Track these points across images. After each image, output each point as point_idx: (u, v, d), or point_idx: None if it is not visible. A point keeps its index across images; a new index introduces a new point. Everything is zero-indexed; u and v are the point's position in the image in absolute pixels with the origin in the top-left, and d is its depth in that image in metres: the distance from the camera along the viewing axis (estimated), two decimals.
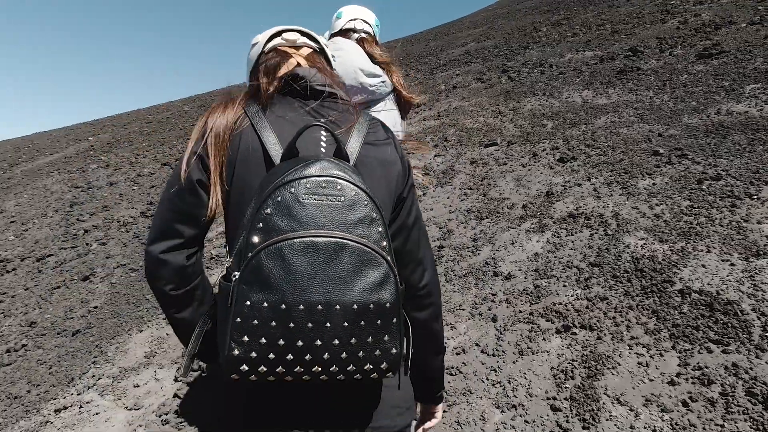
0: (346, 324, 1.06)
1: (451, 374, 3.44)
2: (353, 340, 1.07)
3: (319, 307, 1.04)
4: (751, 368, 2.84)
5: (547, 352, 3.40)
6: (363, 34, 2.59)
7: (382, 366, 1.12)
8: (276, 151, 1.25)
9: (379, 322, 1.09)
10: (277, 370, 1.06)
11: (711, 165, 5.02)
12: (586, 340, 3.39)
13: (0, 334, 5.47)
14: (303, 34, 1.54)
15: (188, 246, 1.29)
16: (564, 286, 3.96)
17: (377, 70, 2.39)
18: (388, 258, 1.11)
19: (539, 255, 4.47)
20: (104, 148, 15.17)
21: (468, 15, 24.53)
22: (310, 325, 1.04)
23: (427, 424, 1.66)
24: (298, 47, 1.52)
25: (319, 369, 1.08)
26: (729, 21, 9.47)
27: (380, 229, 1.12)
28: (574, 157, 6.14)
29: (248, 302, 1.03)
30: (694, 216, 4.30)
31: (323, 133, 1.32)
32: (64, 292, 6.15)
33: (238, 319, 1.03)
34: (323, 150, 1.31)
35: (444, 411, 3.07)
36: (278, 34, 1.52)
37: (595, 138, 6.51)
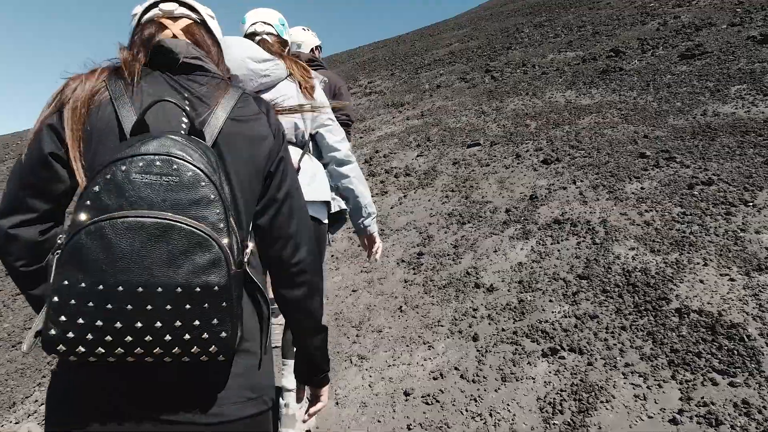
0: (169, 307, 0.97)
1: (427, 403, 2.94)
2: (177, 323, 0.98)
3: (140, 289, 0.95)
4: (764, 407, 2.37)
5: (533, 378, 2.91)
6: (265, 36, 2.56)
7: (210, 350, 1.02)
8: (130, 125, 1.12)
9: (206, 305, 0.99)
10: (97, 351, 0.97)
11: (701, 169, 4.55)
12: (576, 365, 2.90)
13: None
14: (182, 4, 1.38)
15: (41, 221, 1.17)
16: (550, 301, 3.47)
17: (267, 55, 2.29)
18: (223, 241, 1.02)
19: (523, 265, 3.98)
20: None
21: (452, 17, 23.97)
22: (129, 307, 0.95)
23: (312, 409, 1.53)
24: (175, 18, 1.36)
25: (141, 351, 0.98)
26: (709, 23, 9.03)
27: (218, 210, 1.02)
28: (558, 159, 5.65)
29: (66, 282, 0.94)
30: (686, 224, 3.83)
31: (177, 107, 1.16)
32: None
33: (56, 298, 0.94)
34: (184, 127, 1.18)
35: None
36: (155, 4, 1.36)
37: (579, 139, 6.03)
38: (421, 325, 3.66)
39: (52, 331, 0.94)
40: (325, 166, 2.52)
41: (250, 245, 1.24)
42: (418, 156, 7.06)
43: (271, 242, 1.30)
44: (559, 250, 4.02)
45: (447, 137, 7.44)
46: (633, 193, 4.51)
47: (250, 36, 2.56)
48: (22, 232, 1.15)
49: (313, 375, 1.48)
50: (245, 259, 1.16)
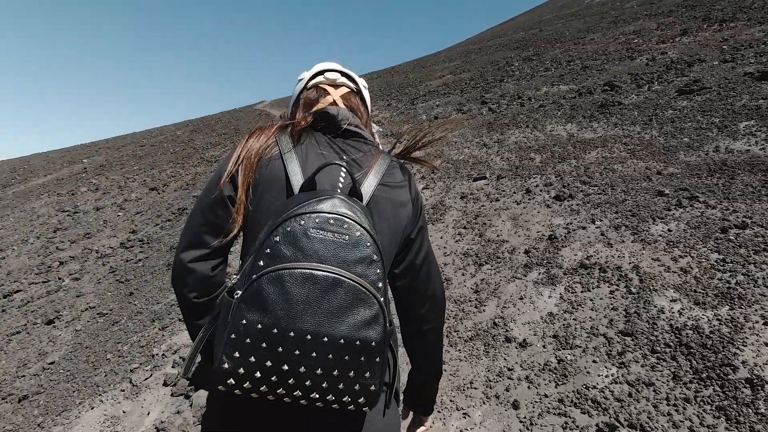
0: (330, 356, 0.98)
1: None
2: (335, 372, 0.99)
3: (309, 336, 0.97)
4: None
5: None
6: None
7: (359, 400, 1.02)
8: (297, 180, 1.17)
9: (362, 358, 1.00)
10: (261, 388, 0.99)
11: (729, 210, 4.10)
12: None
13: None
14: (344, 74, 1.46)
15: (214, 257, 1.22)
16: (594, 361, 2.96)
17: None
18: (381, 299, 1.02)
19: (555, 316, 3.47)
20: (96, 171, 13.87)
21: (443, 49, 23.73)
22: (297, 352, 0.97)
23: (418, 430, 1.55)
24: (337, 86, 1.44)
25: (300, 394, 1.00)
26: (698, 59, 8.70)
27: (378, 270, 1.03)
28: (571, 195, 5.18)
29: (244, 321, 0.97)
30: (729, 273, 3.35)
31: (342, 171, 1.22)
32: (23, 339, 4.96)
33: (233, 335, 0.97)
34: (340, 187, 1.21)
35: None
36: (322, 72, 1.44)
37: (589, 174, 5.57)
38: (452, 387, 3.12)
39: (226, 365, 0.96)
40: None
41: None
42: (423, 189, 6.56)
43: (409, 303, 1.32)
44: (591, 300, 3.52)
45: (451, 170, 6.96)
46: (660, 235, 4.03)
47: None
48: (198, 266, 1.19)
49: (424, 408, 1.53)
50: None
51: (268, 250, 1.00)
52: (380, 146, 1.41)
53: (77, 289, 5.89)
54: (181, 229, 1.38)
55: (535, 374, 3.00)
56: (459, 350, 3.41)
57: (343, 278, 0.99)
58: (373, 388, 1.02)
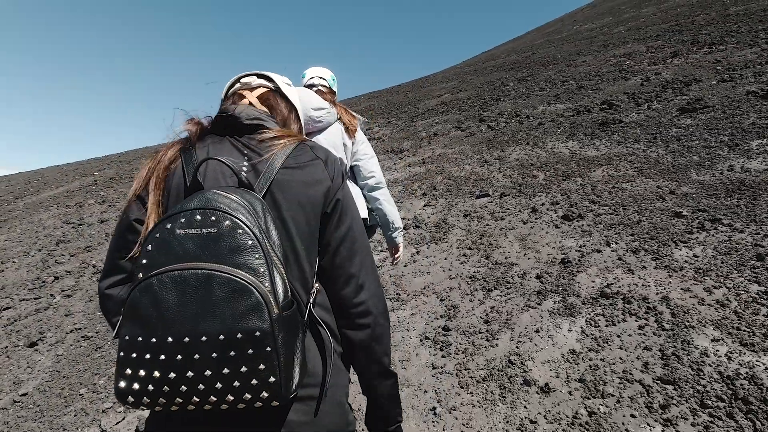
0: (214, 354, 0.87)
1: None
2: (225, 370, 0.87)
3: (186, 339, 0.87)
4: None
5: None
6: (320, 87, 2.75)
7: (262, 395, 0.89)
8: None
9: (250, 351, 0.88)
10: (160, 400, 0.88)
11: (761, 234, 3.50)
12: None
13: None
14: (260, 76, 1.38)
15: (130, 281, 1.12)
16: (632, 416, 2.34)
17: (323, 104, 2.35)
18: (265, 285, 0.91)
19: (579, 355, 2.85)
20: (106, 184, 13.24)
21: (440, 71, 23.27)
22: (179, 357, 0.87)
23: None
24: (253, 88, 1.33)
25: (198, 399, 0.88)
26: (694, 79, 8.16)
27: (257, 255, 0.92)
28: (581, 215, 4.59)
29: (127, 336, 0.89)
30: None
31: (225, 166, 1.11)
32: (2, 363, 4.31)
33: (122, 353, 0.89)
34: (227, 181, 1.10)
35: None
36: (238, 80, 1.36)
37: (597, 193, 4.98)
38: None
39: (122, 384, 0.89)
40: (361, 190, 2.62)
41: (316, 285, 1.13)
42: (425, 206, 5.96)
43: (332, 282, 1.14)
44: (619, 336, 2.91)
45: (453, 186, 6.37)
46: (686, 261, 3.43)
47: (308, 86, 2.72)
48: (114, 291, 1.12)
49: (386, 426, 1.24)
50: (311, 300, 1.08)
51: (145, 261, 0.93)
52: (285, 130, 1.25)
53: (67, 308, 5.25)
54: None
55: (563, 430, 2.37)
56: (471, 393, 2.79)
57: (215, 272, 0.89)
58: (272, 379, 0.90)
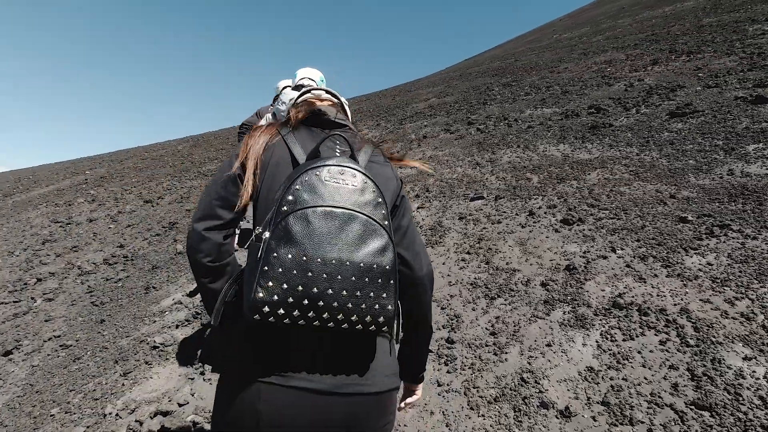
0: (353, 278, 1.00)
1: None
2: (358, 293, 1.01)
3: (333, 261, 0.99)
4: None
5: None
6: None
7: (379, 320, 1.03)
8: (301, 156, 1.22)
9: (380, 281, 1.03)
10: (294, 313, 0.98)
11: None
12: None
13: None
14: (327, 92, 1.51)
15: (226, 227, 1.21)
16: None
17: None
18: (390, 232, 1.06)
19: (598, 373, 2.49)
20: (96, 182, 12.61)
21: (425, 76, 22.89)
22: (324, 275, 0.98)
23: (408, 400, 1.47)
24: (322, 99, 1.49)
25: (327, 316, 0.99)
26: (678, 85, 7.91)
27: (383, 211, 1.08)
28: (581, 219, 4.24)
29: (275, 254, 0.98)
30: None
31: (338, 141, 1.27)
32: None
33: (266, 268, 0.98)
34: (338, 153, 1.24)
35: None
36: (308, 91, 1.49)
37: (595, 197, 4.65)
38: None
39: (260, 294, 0.96)
40: None
41: None
42: (419, 208, 5.57)
43: (402, 259, 1.25)
44: (639, 352, 2.56)
45: (446, 188, 5.99)
46: (700, 270, 3.10)
47: (298, 87, 2.79)
48: (212, 235, 1.18)
49: (416, 373, 1.42)
50: None
51: (290, 197, 1.02)
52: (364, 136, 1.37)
53: (47, 312, 4.75)
54: (196, 204, 1.33)
55: None
56: (482, 415, 2.41)
57: (358, 214, 1.03)
58: (390, 307, 1.03)
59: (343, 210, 1.02)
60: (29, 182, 14.59)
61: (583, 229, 4.08)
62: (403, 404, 1.46)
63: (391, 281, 1.03)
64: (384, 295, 1.02)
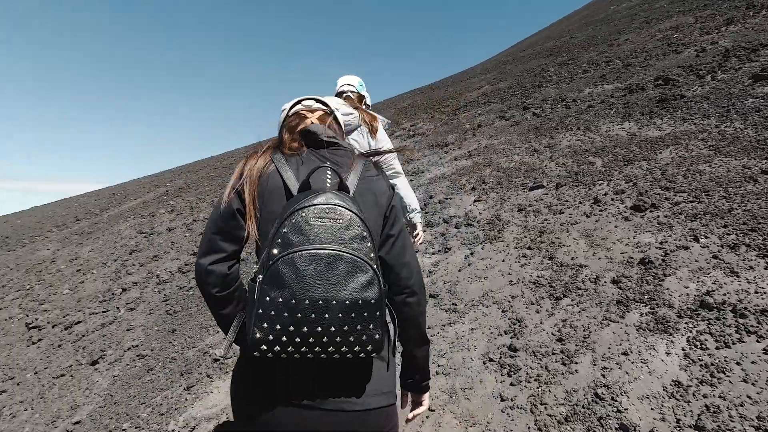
0: (340, 315, 1.05)
1: None
2: (345, 328, 1.06)
3: (320, 302, 1.04)
4: None
5: None
6: (349, 93, 2.84)
7: (367, 348, 1.09)
8: (294, 186, 1.23)
9: (365, 314, 1.07)
10: (288, 349, 1.05)
11: None
12: None
13: None
14: (317, 101, 1.49)
15: (229, 259, 1.25)
16: None
17: (350, 110, 2.39)
18: (374, 266, 1.09)
19: (687, 390, 2.09)
20: (176, 193, 13.25)
21: (477, 64, 22.02)
22: (313, 315, 1.04)
23: (416, 411, 1.45)
24: (313, 111, 1.46)
25: (320, 349, 1.06)
26: (760, 44, 6.89)
27: (369, 244, 1.11)
28: (654, 205, 3.72)
29: (268, 298, 1.04)
30: None
31: (328, 172, 1.28)
32: (65, 384, 4.01)
33: (260, 310, 1.04)
34: (328, 184, 1.25)
35: None
36: (299, 102, 1.48)
37: (669, 178, 4.08)
38: None
39: (258, 335, 1.04)
40: None
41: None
42: (476, 201, 5.22)
43: (390, 269, 1.28)
44: (739, 363, 2.11)
45: (503, 179, 5.58)
46: None
47: (339, 94, 2.86)
48: (216, 267, 1.22)
49: (419, 382, 1.41)
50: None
51: (279, 240, 1.06)
52: (355, 151, 1.39)
53: (129, 322, 4.94)
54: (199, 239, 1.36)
55: None
56: None
57: (343, 253, 1.06)
58: (377, 336, 1.08)
59: (328, 251, 1.05)
60: (120, 197, 15.66)
61: (658, 216, 3.56)
62: (410, 415, 1.46)
63: (377, 312, 1.07)
64: (371, 326, 1.07)
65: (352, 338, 1.06)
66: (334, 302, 1.04)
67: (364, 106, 2.81)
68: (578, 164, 5.20)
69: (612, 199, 4.11)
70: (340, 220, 1.09)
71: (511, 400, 2.40)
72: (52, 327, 5.43)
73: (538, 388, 2.41)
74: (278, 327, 1.03)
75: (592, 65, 10.42)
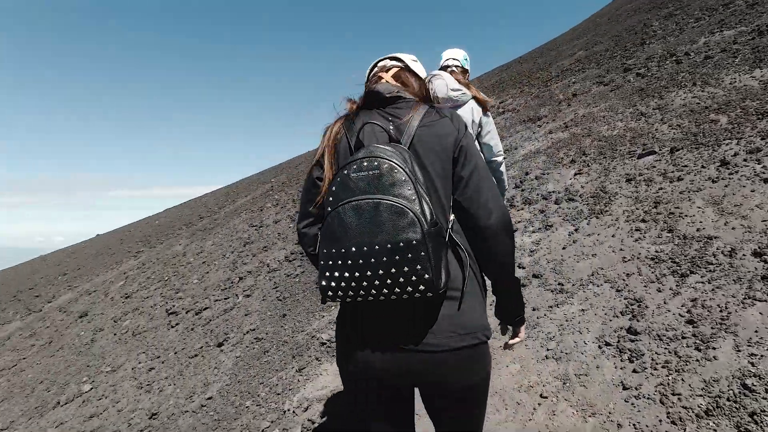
0: (384, 258, 1.08)
1: None
2: (393, 270, 1.09)
3: (365, 248, 1.09)
4: None
5: None
6: (453, 68, 2.82)
7: (420, 288, 1.09)
8: (353, 146, 1.28)
9: (409, 255, 1.08)
10: (349, 294, 1.12)
11: None
12: None
13: (130, 418, 3.81)
14: (392, 59, 1.51)
15: (316, 222, 1.34)
16: None
17: (458, 86, 2.53)
18: (415, 208, 1.10)
19: None
20: (280, 188, 14.04)
21: (568, 30, 20.25)
22: (360, 261, 1.09)
23: (511, 341, 1.43)
24: (387, 69, 1.48)
25: (375, 291, 1.11)
26: None
27: (409, 187, 1.12)
28: None
29: (324, 251, 1.14)
30: None
31: (379, 126, 1.28)
32: (199, 362, 4.41)
33: (321, 262, 1.15)
34: (376, 138, 1.28)
35: None
36: (376, 64, 1.51)
37: None
38: None
39: (323, 283, 1.15)
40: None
41: (452, 216, 1.27)
42: (576, 174, 4.76)
43: (465, 211, 1.27)
44: None
45: (606, 148, 5.02)
46: None
47: (444, 68, 2.84)
48: (307, 230, 1.35)
49: (511, 316, 1.38)
50: (449, 227, 1.23)
51: (331, 198, 1.16)
52: (417, 100, 1.39)
53: (246, 308, 5.31)
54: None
55: None
56: None
57: (381, 200, 1.10)
58: (426, 276, 1.08)
59: (367, 200, 1.10)
60: (234, 195, 17.00)
61: None
62: (508, 343, 1.45)
63: (422, 253, 1.07)
64: (418, 267, 1.07)
65: (401, 279, 1.08)
66: (377, 247, 1.08)
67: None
68: (697, 124, 4.50)
69: (744, 160, 3.49)
70: (378, 171, 1.12)
71: (636, 388, 2.12)
72: (186, 313, 6.03)
73: (667, 376, 2.10)
74: (336, 275, 1.11)
75: (706, 11, 9.03)
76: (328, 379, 3.04)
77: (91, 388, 4.83)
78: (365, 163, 1.14)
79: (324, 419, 2.66)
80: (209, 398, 3.59)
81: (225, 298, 5.92)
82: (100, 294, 9.37)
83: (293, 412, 2.83)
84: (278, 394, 3.11)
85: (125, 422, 3.82)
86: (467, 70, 2.91)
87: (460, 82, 2.57)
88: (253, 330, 4.55)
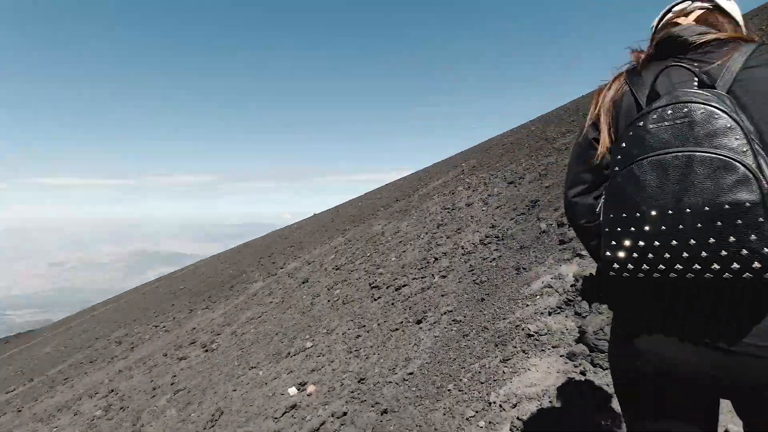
0: (700, 225, 0.85)
1: None
2: (711, 240, 0.84)
3: (670, 211, 0.88)
4: None
5: None
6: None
7: (752, 266, 0.81)
8: (644, 100, 1.04)
9: (739, 221, 0.82)
10: (642, 267, 0.92)
11: None
12: None
13: (342, 378, 4.15)
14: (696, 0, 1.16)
15: (592, 190, 1.17)
16: None
17: None
18: (747, 161, 0.84)
19: None
20: (470, 172, 13.87)
21: None
22: (663, 228, 0.89)
23: None
24: (687, 13, 1.16)
25: (681, 267, 0.88)
26: None
27: (737, 136, 0.86)
28: None
29: (610, 215, 0.97)
30: None
31: (679, 72, 1.02)
32: (399, 337, 4.54)
33: (606, 229, 0.98)
34: (677, 84, 1.02)
35: None
36: (670, 9, 1.20)
37: None
38: None
39: (607, 253, 0.95)
40: None
41: None
42: None
43: None
44: None
45: None
46: None
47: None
48: (580, 199, 1.17)
49: None
50: None
51: (619, 157, 0.97)
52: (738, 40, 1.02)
53: (443, 288, 5.26)
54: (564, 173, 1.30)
55: None
56: None
57: (695, 153, 0.87)
58: (766, 250, 0.81)
59: (674, 154, 0.88)
60: (426, 178, 17.57)
61: None
62: None
63: (760, 219, 0.80)
64: (752, 236, 0.81)
65: (724, 252, 0.84)
66: (688, 210, 0.87)
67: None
68: None
69: None
70: (688, 119, 0.90)
71: None
72: (387, 288, 6.37)
73: None
74: (627, 243, 0.93)
75: None
76: (537, 376, 2.70)
77: (312, 345, 5.48)
78: (669, 111, 0.91)
79: (538, 421, 2.35)
80: (410, 373, 3.62)
81: (422, 277, 6.02)
82: (317, 264, 10.74)
83: (500, 406, 2.59)
84: (481, 383, 2.91)
85: (338, 381, 4.17)
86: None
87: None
88: (451, 311, 4.47)
